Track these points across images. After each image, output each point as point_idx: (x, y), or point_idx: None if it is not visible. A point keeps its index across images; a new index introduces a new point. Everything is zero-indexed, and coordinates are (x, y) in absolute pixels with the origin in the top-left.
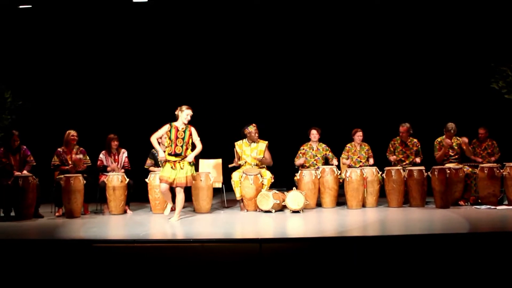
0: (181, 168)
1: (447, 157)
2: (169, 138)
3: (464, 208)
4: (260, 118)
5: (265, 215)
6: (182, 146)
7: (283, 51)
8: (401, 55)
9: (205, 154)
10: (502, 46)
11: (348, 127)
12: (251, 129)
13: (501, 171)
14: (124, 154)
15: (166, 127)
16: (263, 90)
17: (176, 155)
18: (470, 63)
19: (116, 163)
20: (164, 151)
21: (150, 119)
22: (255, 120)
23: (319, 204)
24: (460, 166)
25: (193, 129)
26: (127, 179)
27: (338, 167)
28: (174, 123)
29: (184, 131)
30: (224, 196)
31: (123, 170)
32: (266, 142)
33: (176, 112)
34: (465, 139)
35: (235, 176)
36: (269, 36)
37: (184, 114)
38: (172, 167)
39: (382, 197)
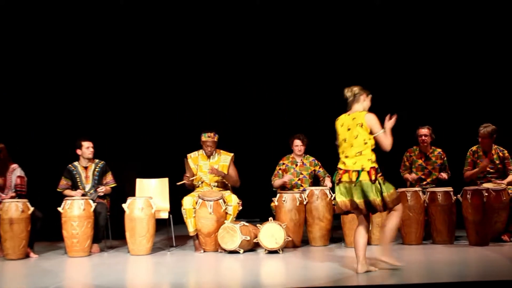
0: None
1: (484, 173)
2: None
3: (509, 245)
4: (224, 123)
5: (230, 258)
6: None
7: (255, 40)
8: (409, 44)
9: (146, 171)
10: None
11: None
12: (205, 137)
13: None
14: (15, 172)
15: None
16: (228, 87)
17: None
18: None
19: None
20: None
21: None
22: (217, 126)
23: (305, 241)
24: (503, 186)
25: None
26: (31, 208)
27: (333, 189)
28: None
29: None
30: (172, 231)
31: (14, 195)
32: (232, 154)
33: None
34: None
35: (187, 202)
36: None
37: None
38: None
39: None
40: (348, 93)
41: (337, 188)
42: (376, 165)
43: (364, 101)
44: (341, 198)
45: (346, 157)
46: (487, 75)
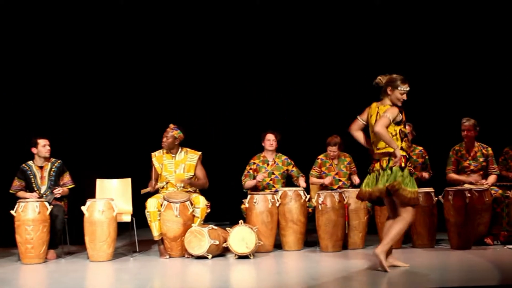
0: None
1: (467, 172)
2: None
3: (493, 248)
4: (191, 120)
5: (198, 264)
6: None
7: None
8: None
9: (107, 170)
10: None
11: (322, 132)
12: (168, 132)
13: None
14: None
15: None
16: (195, 84)
17: None
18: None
19: None
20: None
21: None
22: (183, 123)
23: (278, 246)
24: (486, 186)
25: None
26: None
27: (307, 190)
28: None
29: None
30: (135, 235)
31: None
32: (199, 153)
33: None
34: None
35: (152, 204)
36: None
37: None
38: None
39: (372, 233)
40: (379, 81)
41: (366, 177)
42: (405, 154)
43: (391, 94)
44: (366, 188)
45: (378, 149)
46: (469, 71)
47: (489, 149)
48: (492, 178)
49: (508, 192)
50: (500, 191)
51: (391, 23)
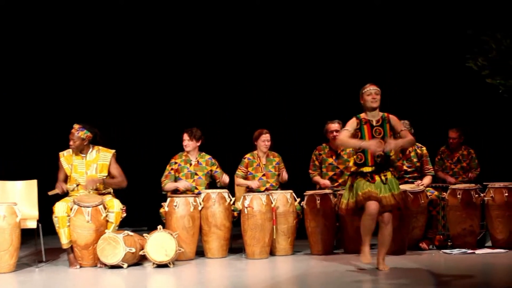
0: None
1: (401, 173)
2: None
3: (428, 253)
4: (104, 116)
5: (112, 274)
6: None
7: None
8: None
9: (10, 171)
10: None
11: (248, 127)
12: (74, 134)
13: (482, 195)
14: None
15: None
16: (106, 79)
17: None
18: (429, 28)
19: None
20: None
21: None
22: (95, 120)
23: (200, 253)
24: (422, 188)
25: None
26: None
27: (232, 192)
28: None
29: None
30: (42, 243)
31: None
32: (113, 151)
33: None
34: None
35: (60, 209)
36: None
37: None
38: None
39: (301, 239)
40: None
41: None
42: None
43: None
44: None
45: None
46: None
47: (424, 148)
48: (427, 179)
49: (444, 193)
50: (436, 193)
51: (391, 23)
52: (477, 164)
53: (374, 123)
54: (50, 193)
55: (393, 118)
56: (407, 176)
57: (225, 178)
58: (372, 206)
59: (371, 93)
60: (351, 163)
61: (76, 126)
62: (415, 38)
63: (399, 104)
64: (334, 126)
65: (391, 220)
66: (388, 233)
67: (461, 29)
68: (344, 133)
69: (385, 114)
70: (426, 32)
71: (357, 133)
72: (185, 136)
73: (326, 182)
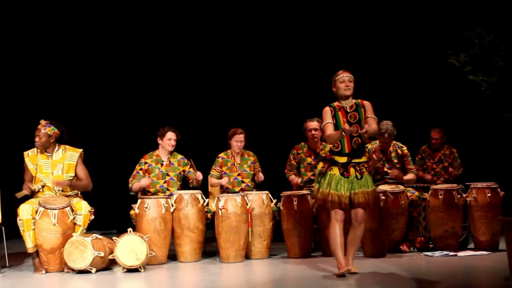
0: None
1: (381, 174)
2: None
3: (409, 256)
4: (71, 114)
5: (80, 279)
6: None
7: None
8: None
9: None
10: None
11: (222, 126)
12: (40, 130)
13: (464, 195)
14: None
15: None
16: (74, 76)
17: None
18: (410, 24)
19: None
20: None
21: None
22: (63, 118)
23: (172, 257)
24: (402, 188)
25: None
26: None
27: (206, 193)
28: None
29: None
30: (5, 248)
31: None
32: (80, 150)
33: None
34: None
35: (25, 211)
36: None
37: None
38: None
39: (278, 241)
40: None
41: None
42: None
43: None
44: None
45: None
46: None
47: (404, 148)
48: (410, 176)
49: (425, 194)
50: (416, 193)
51: (370, 19)
52: (459, 164)
53: (348, 109)
54: (17, 195)
55: (366, 104)
56: (387, 176)
57: (199, 175)
58: (338, 215)
59: (344, 80)
60: (327, 149)
61: (43, 122)
62: (394, 34)
63: (379, 101)
64: (313, 124)
65: (365, 220)
66: (360, 233)
67: (442, 24)
68: (329, 128)
69: (359, 100)
70: (405, 28)
71: (332, 120)
72: (172, 135)
73: (294, 178)
